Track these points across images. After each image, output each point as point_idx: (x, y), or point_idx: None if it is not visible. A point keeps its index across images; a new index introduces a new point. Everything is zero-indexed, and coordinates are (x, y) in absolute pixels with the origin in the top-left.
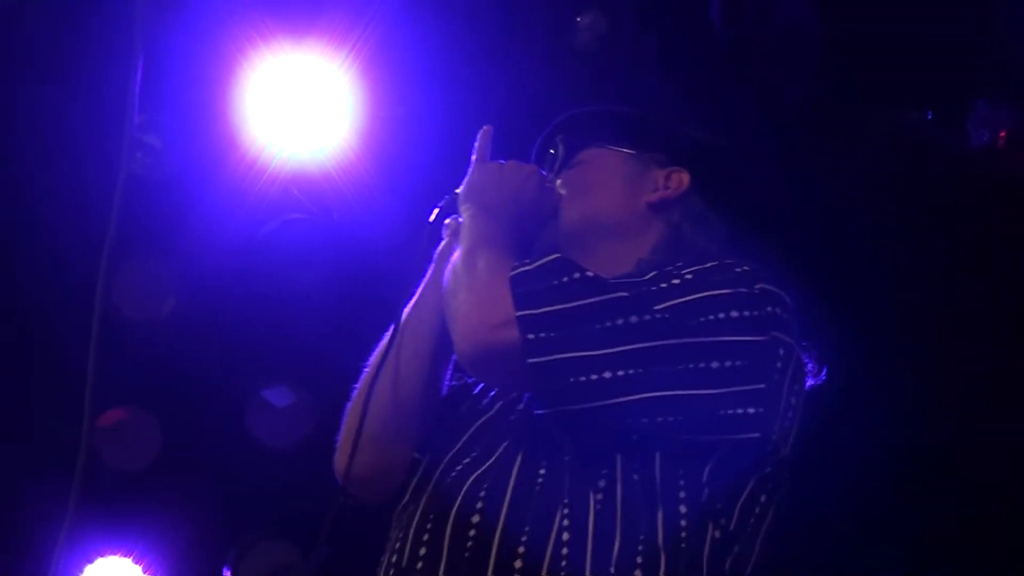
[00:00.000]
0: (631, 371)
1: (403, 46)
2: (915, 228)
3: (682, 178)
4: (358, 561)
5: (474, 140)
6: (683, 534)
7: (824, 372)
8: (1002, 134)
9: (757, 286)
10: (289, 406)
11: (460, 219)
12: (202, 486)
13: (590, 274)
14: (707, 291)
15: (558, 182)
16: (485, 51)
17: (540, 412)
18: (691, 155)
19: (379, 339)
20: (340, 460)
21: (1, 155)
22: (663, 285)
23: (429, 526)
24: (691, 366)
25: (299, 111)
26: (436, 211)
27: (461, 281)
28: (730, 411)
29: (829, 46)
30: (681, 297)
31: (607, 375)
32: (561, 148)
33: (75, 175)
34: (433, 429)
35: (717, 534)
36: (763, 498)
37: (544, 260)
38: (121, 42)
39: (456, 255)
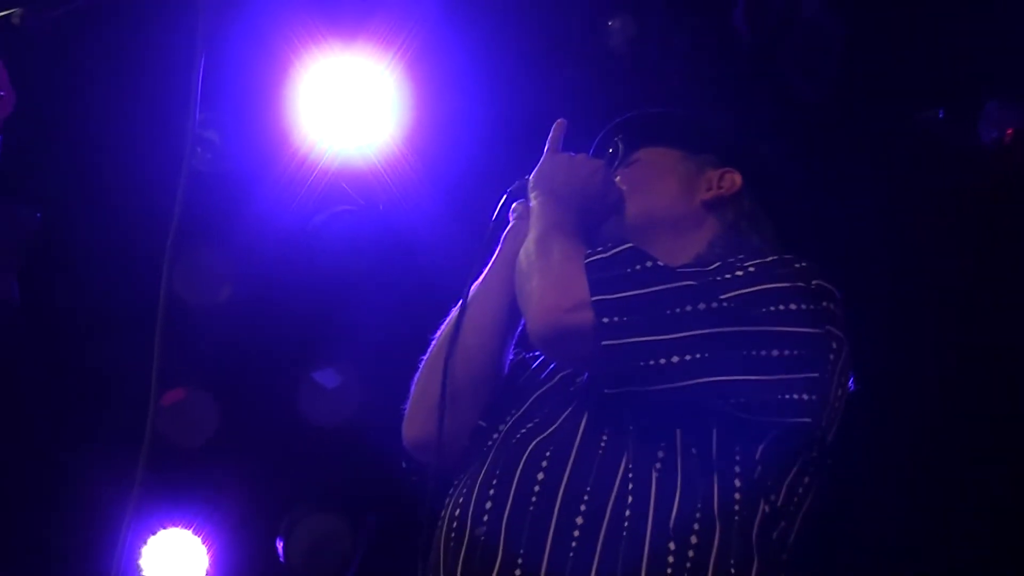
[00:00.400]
0: (697, 355)
1: (445, 49)
2: (927, 221)
3: (735, 179)
4: (403, 531)
5: (512, 137)
6: (736, 506)
7: (853, 381)
8: (1009, 132)
9: (814, 282)
10: (337, 387)
11: (529, 204)
12: (256, 462)
13: (660, 263)
14: (769, 283)
15: (618, 178)
16: (523, 53)
17: (609, 391)
18: (742, 158)
19: (422, 323)
20: (411, 428)
21: (77, 148)
22: (727, 276)
23: (495, 482)
24: (752, 353)
25: (348, 109)
26: (505, 196)
27: (536, 264)
28: (786, 396)
29: (848, 49)
30: (745, 288)
31: (675, 359)
32: (620, 147)
33: (141, 168)
34: (496, 399)
35: (766, 508)
36: (807, 479)
37: (617, 249)
38: (185, 46)
39: (529, 238)
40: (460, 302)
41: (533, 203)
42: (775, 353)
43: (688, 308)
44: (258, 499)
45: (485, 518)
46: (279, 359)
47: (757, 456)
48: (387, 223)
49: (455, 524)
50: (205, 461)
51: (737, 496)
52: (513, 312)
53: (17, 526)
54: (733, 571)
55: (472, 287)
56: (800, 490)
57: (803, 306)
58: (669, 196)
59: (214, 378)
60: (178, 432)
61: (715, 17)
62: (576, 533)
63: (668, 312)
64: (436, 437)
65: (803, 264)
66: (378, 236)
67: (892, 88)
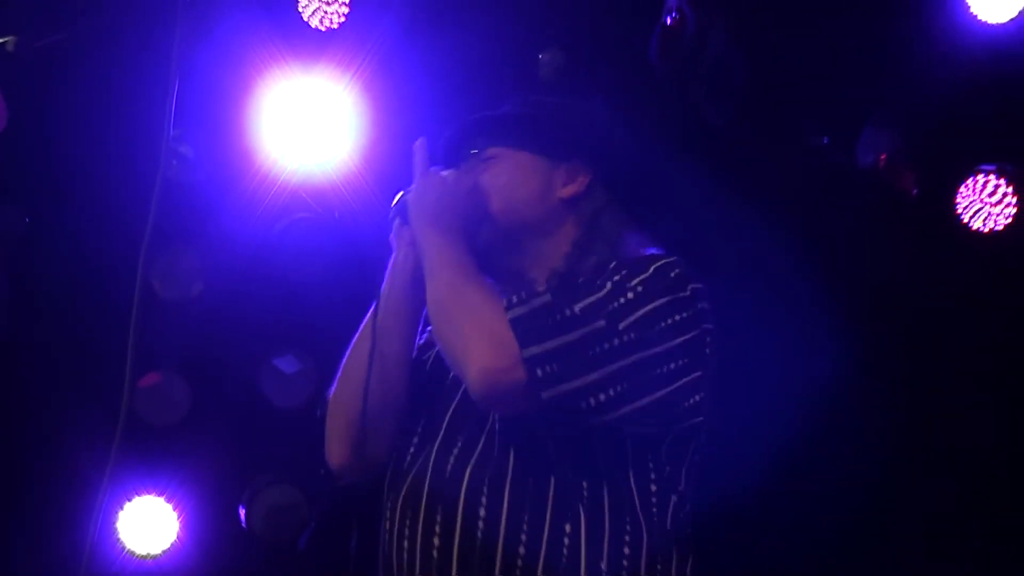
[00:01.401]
0: (619, 388)
1: (398, 72)
2: (809, 234)
3: (583, 172)
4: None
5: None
6: (654, 509)
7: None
8: (883, 157)
9: (689, 287)
10: (295, 372)
11: (410, 230)
12: (222, 438)
13: (569, 311)
14: (654, 302)
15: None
16: (466, 77)
17: (544, 432)
18: (589, 151)
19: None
20: (333, 455)
21: (63, 159)
22: (621, 300)
23: (439, 518)
24: (656, 372)
25: (307, 127)
26: (393, 216)
27: (459, 319)
28: (684, 402)
29: (748, 81)
30: (637, 311)
31: (602, 396)
32: (482, 148)
33: (120, 178)
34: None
35: (675, 499)
36: (696, 457)
37: (535, 303)
38: (160, 68)
39: (433, 282)
40: (371, 339)
41: (418, 234)
42: (671, 366)
43: (605, 346)
44: (223, 471)
45: (435, 554)
46: (244, 348)
47: (663, 457)
48: (341, 230)
49: (405, 558)
50: (177, 437)
51: (654, 500)
52: (410, 342)
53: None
54: (659, 567)
55: (371, 311)
56: (693, 471)
57: (684, 314)
58: (529, 197)
59: (187, 364)
60: (153, 411)
61: (634, 52)
62: (520, 564)
63: (590, 353)
64: (345, 462)
65: (676, 272)
66: (333, 241)
67: (785, 116)
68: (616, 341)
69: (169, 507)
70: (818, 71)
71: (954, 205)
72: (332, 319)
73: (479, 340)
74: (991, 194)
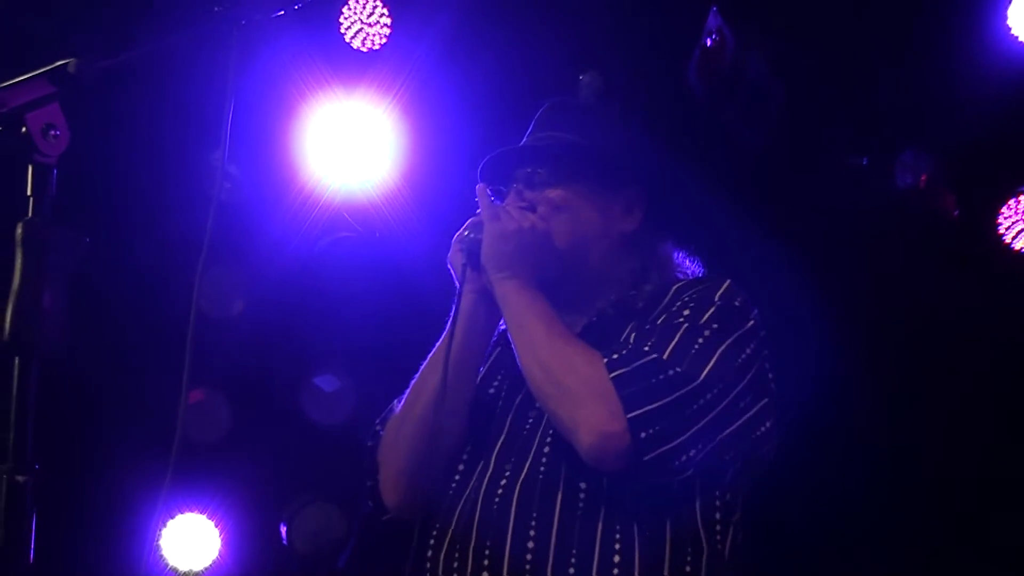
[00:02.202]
0: (708, 440)
1: (439, 93)
2: (850, 255)
3: (637, 204)
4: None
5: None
6: (718, 537)
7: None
8: (923, 178)
9: (751, 315)
10: (336, 391)
11: (482, 276)
12: (264, 456)
13: (673, 372)
14: (728, 339)
15: (540, 210)
16: (503, 99)
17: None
18: (641, 181)
19: (411, 337)
20: (390, 494)
21: (121, 181)
22: (700, 342)
23: (487, 551)
24: (736, 409)
25: (350, 148)
26: (463, 264)
27: (565, 379)
28: (756, 432)
29: (787, 105)
30: (715, 352)
31: (692, 452)
32: (537, 179)
33: (173, 198)
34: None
35: (734, 526)
36: (752, 484)
37: (636, 363)
38: (214, 94)
39: (530, 339)
40: (442, 385)
41: (497, 285)
42: (747, 400)
43: (700, 402)
44: (265, 489)
45: None
46: (285, 366)
47: (727, 486)
48: (382, 248)
49: None
50: (219, 455)
51: (718, 528)
52: (474, 386)
53: (52, 514)
54: None
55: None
56: (746, 497)
57: (751, 348)
58: (592, 236)
59: (229, 382)
60: (196, 429)
61: (673, 73)
62: None
63: (687, 412)
64: (398, 503)
65: (739, 300)
66: (374, 260)
67: (823, 138)
68: (708, 395)
69: (211, 524)
70: (856, 92)
71: (996, 226)
72: (372, 337)
73: (590, 403)
74: None
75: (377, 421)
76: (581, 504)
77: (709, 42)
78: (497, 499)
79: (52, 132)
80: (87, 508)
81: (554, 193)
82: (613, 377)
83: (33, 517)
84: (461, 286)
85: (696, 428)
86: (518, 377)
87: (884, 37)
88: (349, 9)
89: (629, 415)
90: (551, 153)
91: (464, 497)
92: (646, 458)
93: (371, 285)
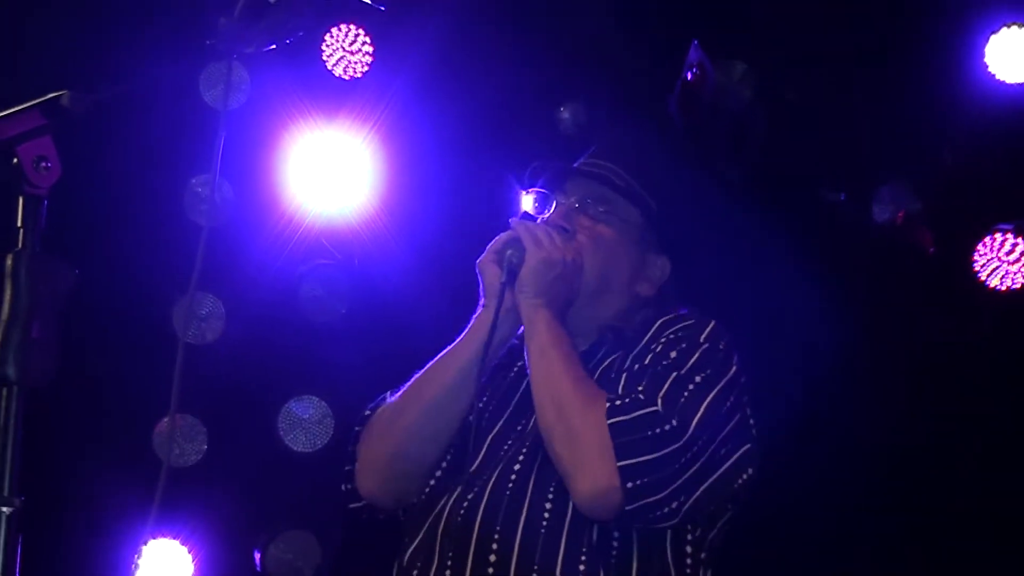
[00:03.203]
0: (690, 493)
1: (413, 126)
2: (828, 286)
3: (666, 266)
4: (367, 553)
5: (470, 201)
6: (688, 571)
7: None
8: (901, 214)
9: (734, 360)
10: (312, 417)
11: (518, 300)
12: (239, 482)
13: (668, 426)
14: (714, 388)
15: (580, 240)
16: (481, 129)
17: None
18: (678, 258)
19: (390, 362)
20: (366, 482)
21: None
22: (691, 388)
23: (450, 554)
24: (718, 457)
25: (330, 175)
26: (502, 283)
27: (574, 420)
28: (739, 480)
29: (767, 137)
30: (703, 401)
31: (675, 504)
32: (592, 210)
33: (157, 225)
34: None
35: (705, 556)
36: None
37: (636, 412)
38: (200, 120)
39: (551, 371)
40: (475, 391)
41: (531, 311)
42: (729, 447)
43: (687, 455)
44: (239, 515)
45: None
46: (261, 390)
47: (701, 523)
48: (361, 274)
49: None
50: (194, 480)
51: (688, 563)
52: (466, 394)
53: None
54: None
55: (451, 353)
56: (724, 529)
57: (735, 396)
58: (619, 278)
59: (204, 407)
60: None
61: (653, 105)
62: None
63: (675, 466)
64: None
65: (723, 343)
66: (353, 285)
67: (802, 172)
68: (695, 447)
69: (184, 550)
70: (835, 127)
71: (972, 263)
72: (350, 363)
73: (592, 453)
74: (1008, 252)
75: (368, 407)
76: (545, 521)
77: (690, 76)
78: (463, 511)
79: (43, 164)
80: (67, 535)
81: (602, 230)
82: (611, 424)
83: (19, 547)
84: (499, 301)
85: (681, 480)
86: (503, 400)
87: (863, 73)
88: (332, 37)
89: (620, 463)
90: (617, 191)
91: (435, 510)
92: (629, 508)
93: (350, 311)
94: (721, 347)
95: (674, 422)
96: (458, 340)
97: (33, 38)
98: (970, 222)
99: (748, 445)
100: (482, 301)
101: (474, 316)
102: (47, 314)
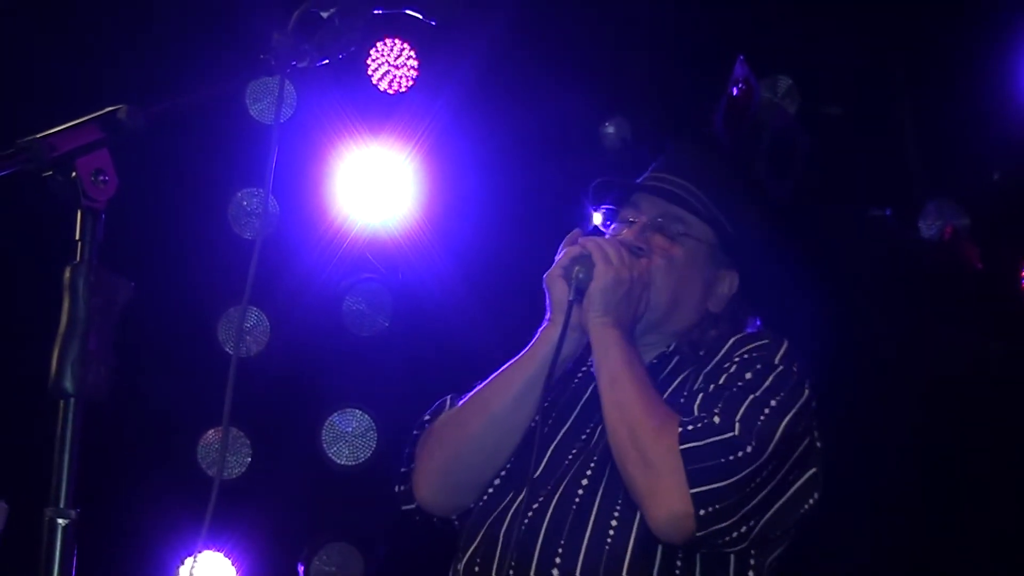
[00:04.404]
0: (759, 517)
1: (457, 140)
2: (872, 304)
3: (735, 281)
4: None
5: (511, 214)
6: None
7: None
8: (948, 230)
9: (806, 385)
10: (355, 430)
11: (588, 317)
12: (283, 495)
13: (743, 453)
14: (789, 413)
15: (655, 260)
16: (528, 144)
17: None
18: (747, 272)
19: (432, 375)
20: (427, 487)
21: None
22: (766, 412)
23: (512, 562)
24: (788, 485)
25: (375, 189)
26: (570, 301)
27: (649, 446)
28: (805, 506)
29: (812, 153)
30: (777, 427)
31: (743, 529)
32: (667, 228)
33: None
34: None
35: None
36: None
37: (710, 439)
38: (253, 135)
39: (623, 394)
40: (540, 408)
41: (601, 330)
42: (796, 473)
43: (757, 480)
44: (283, 528)
45: None
46: (306, 405)
47: (771, 558)
48: (405, 288)
49: None
50: (238, 493)
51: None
52: (530, 408)
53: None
54: None
55: (519, 364)
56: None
57: (805, 421)
58: (692, 297)
59: (249, 420)
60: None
61: (699, 123)
62: None
63: (747, 491)
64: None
65: (797, 366)
66: (397, 297)
67: (848, 189)
68: (766, 471)
69: (228, 563)
70: (881, 143)
71: (1020, 279)
72: (394, 376)
73: (668, 479)
74: None
75: (427, 412)
76: (610, 538)
77: (735, 91)
78: (527, 520)
79: (101, 177)
80: (118, 548)
81: (677, 251)
82: (683, 449)
83: (74, 559)
84: (567, 318)
85: (751, 505)
86: (567, 407)
87: (910, 87)
88: (377, 52)
89: (693, 490)
90: (691, 210)
91: (494, 514)
92: (700, 534)
93: (393, 325)
94: (795, 370)
95: (749, 448)
96: (523, 353)
97: (90, 53)
98: (1018, 237)
99: (814, 469)
100: (548, 316)
101: (539, 330)
102: (104, 327)
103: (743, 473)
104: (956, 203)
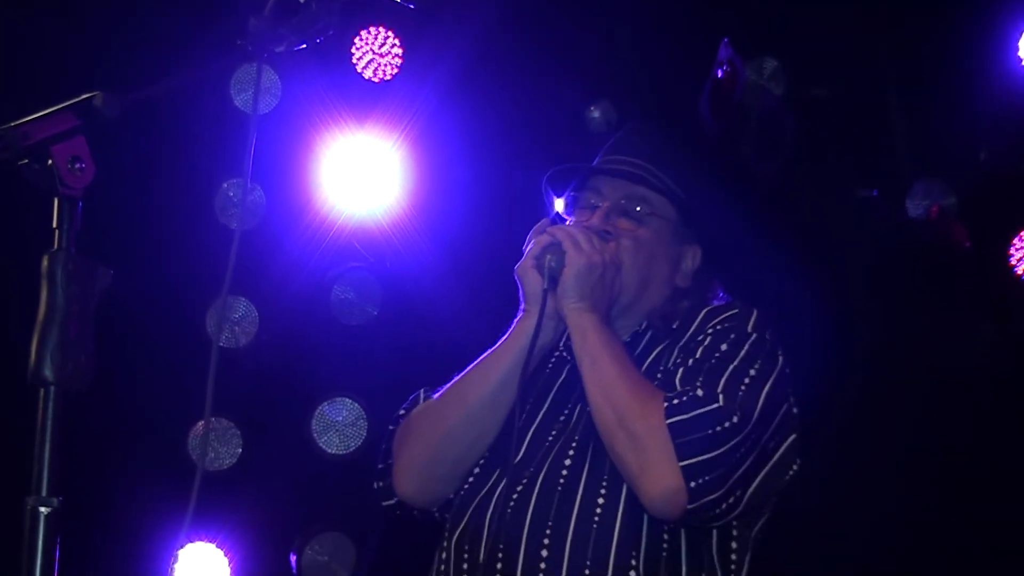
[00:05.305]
0: (750, 486)
1: (443, 127)
2: (862, 282)
3: (697, 254)
4: (402, 554)
5: (497, 202)
6: (732, 567)
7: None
8: (935, 209)
9: (779, 351)
10: (346, 419)
11: (562, 306)
12: (274, 485)
13: (729, 422)
14: (769, 379)
15: (623, 243)
16: (514, 130)
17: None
18: (711, 243)
19: (420, 363)
20: (405, 484)
21: (141, 212)
22: (746, 382)
23: (500, 555)
24: (769, 447)
25: (361, 178)
26: (544, 290)
27: (635, 426)
28: (789, 473)
29: (797, 135)
30: (759, 395)
31: (732, 499)
32: (631, 210)
33: (189, 227)
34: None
35: (749, 556)
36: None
37: (696, 411)
38: (233, 123)
39: (605, 376)
40: (517, 397)
41: (576, 316)
42: (778, 439)
43: (743, 449)
44: (274, 518)
45: None
46: (295, 393)
47: (753, 531)
48: (393, 276)
49: None
50: (229, 483)
51: (733, 558)
52: (508, 399)
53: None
54: None
55: (496, 356)
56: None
57: (783, 387)
58: (661, 275)
59: (239, 410)
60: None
61: (685, 105)
62: None
63: (734, 459)
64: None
65: (770, 333)
66: (384, 286)
67: (834, 169)
68: (750, 442)
69: (220, 553)
70: (867, 123)
71: (1007, 257)
72: (383, 365)
73: (658, 456)
74: None
75: (403, 407)
76: (597, 517)
77: (720, 73)
78: (512, 504)
79: (78, 165)
80: (105, 537)
81: (643, 232)
82: (670, 423)
83: (57, 548)
84: (542, 307)
85: (739, 473)
86: (542, 392)
87: (895, 68)
88: (361, 40)
89: (682, 463)
90: (653, 188)
91: (476, 501)
92: (691, 506)
93: (381, 314)
94: (768, 337)
95: (735, 418)
96: (499, 344)
97: (65, 40)
98: (1005, 216)
99: (794, 435)
100: (522, 307)
101: (515, 321)
102: (83, 315)
103: (731, 443)
104: (943, 183)
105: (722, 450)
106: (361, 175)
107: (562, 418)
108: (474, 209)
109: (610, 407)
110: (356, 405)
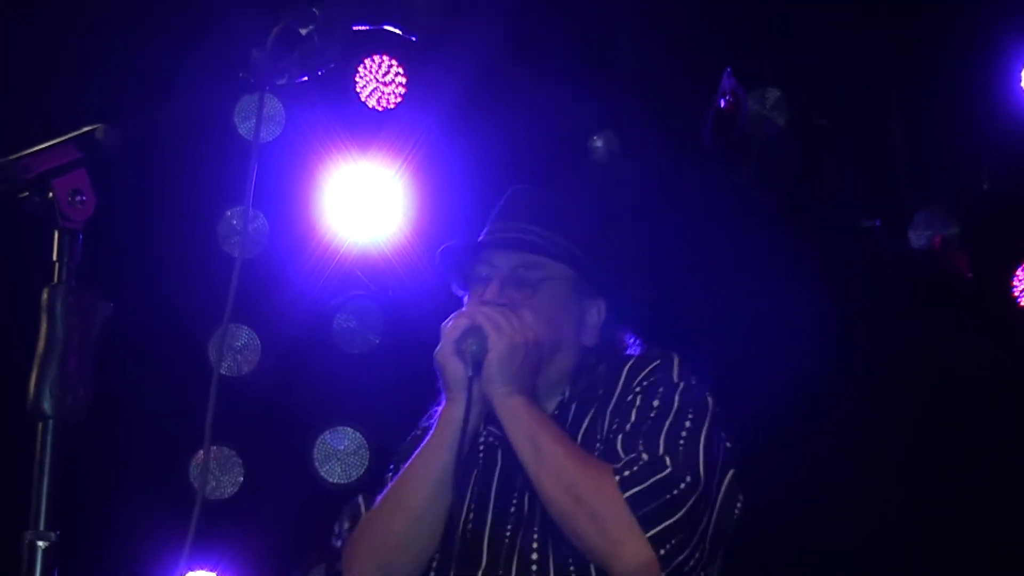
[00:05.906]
0: (708, 533)
1: (446, 156)
2: (863, 311)
3: (602, 307)
4: None
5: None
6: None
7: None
8: (937, 239)
9: (708, 393)
10: (347, 448)
11: (489, 392)
12: (275, 513)
13: (683, 484)
14: (703, 429)
15: (522, 313)
16: (517, 159)
17: None
18: (615, 296)
19: (424, 394)
20: (354, 566)
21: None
22: (684, 435)
23: None
24: (715, 496)
25: (364, 206)
26: (469, 377)
27: (596, 508)
28: (736, 509)
29: (801, 165)
30: (698, 444)
31: (697, 554)
32: (524, 279)
33: (191, 257)
34: None
35: None
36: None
37: (650, 480)
38: (235, 153)
39: (549, 461)
40: (453, 488)
41: (505, 401)
42: (719, 478)
43: (702, 505)
44: (274, 546)
45: None
46: (297, 422)
47: (714, 569)
48: (395, 305)
49: None
50: (229, 511)
51: None
52: (447, 494)
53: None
54: None
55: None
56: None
57: (717, 430)
58: (569, 336)
59: (239, 438)
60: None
61: (687, 135)
62: None
63: (693, 518)
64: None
65: (696, 379)
66: (387, 314)
67: (837, 199)
68: (703, 498)
69: None
70: (870, 153)
71: (1010, 288)
72: (385, 394)
73: (623, 532)
74: None
75: (346, 521)
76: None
77: (723, 103)
78: None
79: (78, 198)
80: (104, 565)
81: (539, 300)
82: (628, 497)
83: None
84: (468, 395)
85: (701, 527)
86: (484, 490)
87: (899, 98)
88: (365, 69)
89: (648, 534)
90: (543, 253)
91: None
92: (665, 572)
93: (384, 342)
94: (694, 382)
95: (688, 478)
96: (428, 439)
97: (68, 72)
98: (1008, 246)
99: (731, 472)
100: (444, 395)
101: (438, 411)
102: (83, 348)
103: (688, 504)
104: (945, 213)
105: (681, 512)
106: (364, 203)
107: (512, 509)
108: (476, 236)
109: (564, 490)
110: (358, 434)
